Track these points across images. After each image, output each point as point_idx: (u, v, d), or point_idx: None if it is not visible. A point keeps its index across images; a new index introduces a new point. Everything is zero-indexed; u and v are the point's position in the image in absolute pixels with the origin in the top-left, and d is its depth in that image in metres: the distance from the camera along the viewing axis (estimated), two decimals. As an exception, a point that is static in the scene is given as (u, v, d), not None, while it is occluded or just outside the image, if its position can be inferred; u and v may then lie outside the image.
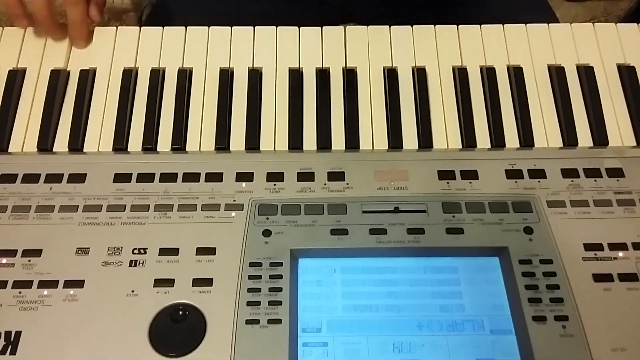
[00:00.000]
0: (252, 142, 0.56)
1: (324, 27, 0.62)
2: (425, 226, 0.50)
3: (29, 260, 0.48)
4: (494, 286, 0.48)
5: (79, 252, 0.49)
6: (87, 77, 0.59)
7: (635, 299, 0.47)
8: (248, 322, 0.45)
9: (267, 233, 0.50)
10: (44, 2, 0.57)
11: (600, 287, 0.47)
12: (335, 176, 0.53)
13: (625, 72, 0.60)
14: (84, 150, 0.56)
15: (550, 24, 0.62)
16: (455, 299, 0.48)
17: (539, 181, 0.53)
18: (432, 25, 0.62)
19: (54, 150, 0.56)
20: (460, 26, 0.62)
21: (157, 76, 0.59)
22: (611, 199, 0.52)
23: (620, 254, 0.49)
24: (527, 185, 0.53)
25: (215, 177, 0.53)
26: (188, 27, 0.62)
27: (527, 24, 0.62)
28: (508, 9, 0.76)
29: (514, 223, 0.50)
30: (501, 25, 0.62)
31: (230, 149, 0.56)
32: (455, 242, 0.49)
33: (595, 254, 0.49)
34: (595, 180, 0.53)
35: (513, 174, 0.53)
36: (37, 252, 0.48)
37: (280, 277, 0.47)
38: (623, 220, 0.51)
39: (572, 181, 0.53)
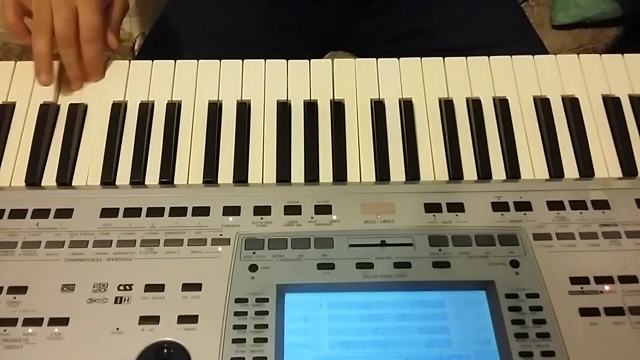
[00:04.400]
0: (240, 175, 0.57)
1: (311, 60, 0.63)
2: (412, 260, 0.50)
3: (14, 298, 0.48)
4: (480, 320, 0.48)
5: (65, 288, 0.48)
6: (77, 111, 0.59)
7: (621, 333, 0.46)
8: (233, 360, 0.45)
9: (253, 268, 0.50)
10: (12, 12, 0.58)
11: (587, 321, 0.47)
12: (322, 209, 0.53)
13: (610, 103, 0.60)
14: (73, 184, 0.56)
15: (535, 56, 0.63)
16: (442, 334, 0.48)
17: (524, 214, 0.53)
18: (419, 58, 0.62)
19: (42, 184, 0.56)
20: (446, 58, 0.63)
21: (145, 109, 0.60)
22: (597, 231, 0.52)
23: (607, 287, 0.49)
24: (513, 218, 0.53)
25: (202, 211, 0.53)
26: (177, 61, 0.62)
27: (513, 56, 0.63)
28: (495, 38, 0.77)
29: (500, 256, 0.50)
30: (486, 57, 0.63)
31: (218, 182, 0.57)
32: (442, 276, 0.49)
33: (582, 288, 0.49)
34: (581, 213, 0.53)
35: (499, 206, 0.53)
36: (22, 289, 0.48)
37: (266, 313, 0.47)
38: (609, 252, 0.51)
39: (558, 213, 0.53)
